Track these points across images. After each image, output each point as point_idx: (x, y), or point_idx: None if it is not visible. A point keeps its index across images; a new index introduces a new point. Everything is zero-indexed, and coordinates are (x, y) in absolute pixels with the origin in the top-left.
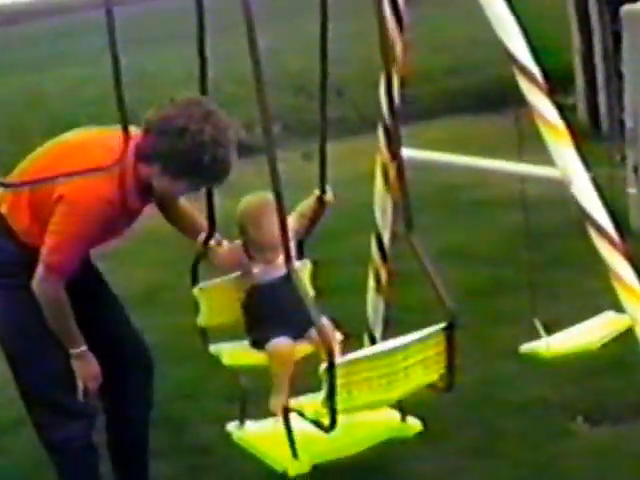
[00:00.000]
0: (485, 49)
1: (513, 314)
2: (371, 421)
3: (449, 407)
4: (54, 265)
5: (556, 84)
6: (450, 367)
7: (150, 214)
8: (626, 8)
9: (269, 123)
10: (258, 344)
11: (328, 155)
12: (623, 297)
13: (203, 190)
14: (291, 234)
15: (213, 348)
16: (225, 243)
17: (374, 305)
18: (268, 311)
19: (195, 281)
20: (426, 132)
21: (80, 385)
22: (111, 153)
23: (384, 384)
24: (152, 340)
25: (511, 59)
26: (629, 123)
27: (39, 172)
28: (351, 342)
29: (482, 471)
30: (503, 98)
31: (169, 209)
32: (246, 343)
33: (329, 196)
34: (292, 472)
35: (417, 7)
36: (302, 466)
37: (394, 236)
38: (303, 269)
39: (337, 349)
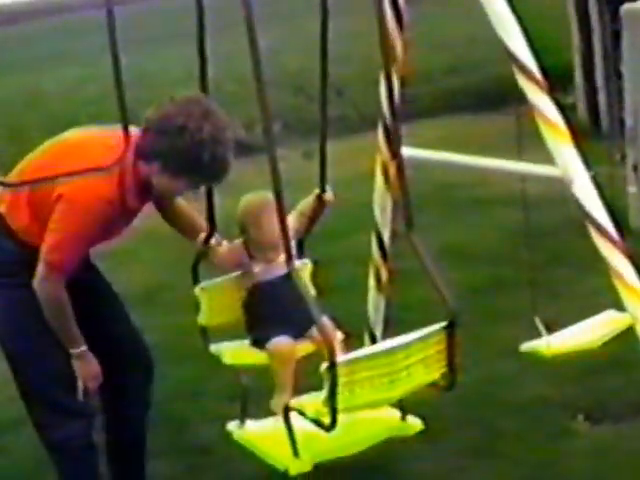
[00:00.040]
0: (485, 48)
1: (513, 313)
2: (372, 420)
3: (449, 406)
4: (54, 264)
5: (556, 83)
6: (451, 366)
7: (149, 214)
8: (626, 7)
9: (270, 123)
10: (259, 343)
11: (328, 154)
12: (624, 295)
13: (203, 189)
14: (291, 233)
15: (214, 347)
16: (225, 243)
17: (375, 304)
18: (269, 310)
19: (196, 280)
20: (426, 131)
21: (80, 385)
22: (111, 152)
23: (386, 383)
24: (152, 340)
25: (511, 58)
26: (629, 122)
27: (38, 171)
28: (352, 341)
29: (482, 470)
30: (503, 97)
31: (167, 209)
32: (247, 342)
33: (329, 195)
34: (293, 471)
35: (417, 6)
36: (303, 465)
37: (394, 235)
38: (303, 268)
39: (338, 348)
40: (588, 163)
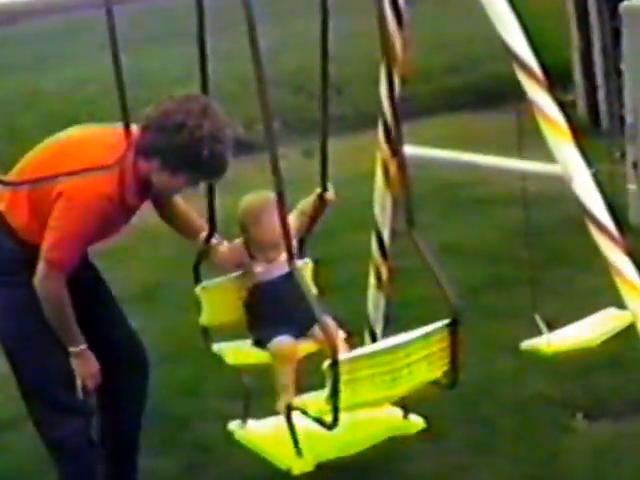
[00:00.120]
0: (484, 46)
1: (513, 311)
2: (374, 419)
3: (449, 404)
4: (55, 262)
5: (555, 81)
6: (454, 364)
7: (148, 212)
8: (625, 4)
9: (271, 124)
10: (260, 343)
11: (328, 153)
12: (624, 293)
13: (203, 188)
14: (292, 232)
15: (216, 347)
16: (225, 243)
17: (375, 302)
18: (270, 310)
19: (197, 280)
20: (425, 130)
21: (79, 383)
22: (111, 151)
23: (388, 380)
24: (152, 338)
25: (511, 55)
26: (629, 119)
27: (38, 170)
28: (352, 339)
29: (482, 468)
30: (502, 95)
31: (165, 208)
32: (249, 342)
33: (330, 194)
34: (296, 470)
35: (416, 5)
36: (306, 464)
37: (394, 233)
38: (305, 268)
39: (341, 347)
40: (589, 161)
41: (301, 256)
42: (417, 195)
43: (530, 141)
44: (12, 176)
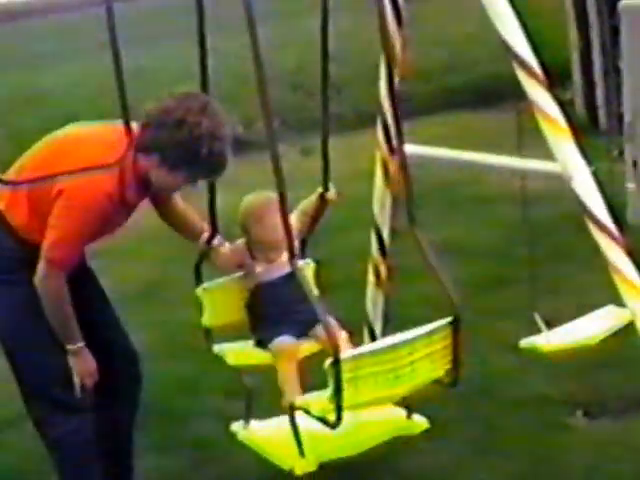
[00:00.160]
0: (482, 45)
1: (513, 309)
2: (377, 419)
3: (448, 402)
4: (55, 260)
5: (553, 79)
6: (456, 362)
7: (148, 211)
8: (624, 3)
9: (272, 125)
10: (262, 344)
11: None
12: (623, 291)
13: (204, 188)
14: (294, 233)
15: (217, 348)
16: (227, 245)
17: (374, 300)
18: (271, 310)
19: (198, 281)
20: (425, 129)
21: (77, 381)
22: (111, 148)
23: (391, 379)
24: (151, 336)
25: (511, 54)
26: (627, 118)
27: (38, 168)
28: (353, 339)
29: (481, 466)
30: (501, 94)
31: (164, 207)
32: (250, 343)
33: (331, 193)
34: (299, 471)
35: (415, 4)
36: (308, 465)
37: (393, 232)
38: (306, 268)
39: (343, 346)
40: (587, 159)
41: (302, 256)
42: (416, 194)
43: (529, 140)
44: (11, 174)
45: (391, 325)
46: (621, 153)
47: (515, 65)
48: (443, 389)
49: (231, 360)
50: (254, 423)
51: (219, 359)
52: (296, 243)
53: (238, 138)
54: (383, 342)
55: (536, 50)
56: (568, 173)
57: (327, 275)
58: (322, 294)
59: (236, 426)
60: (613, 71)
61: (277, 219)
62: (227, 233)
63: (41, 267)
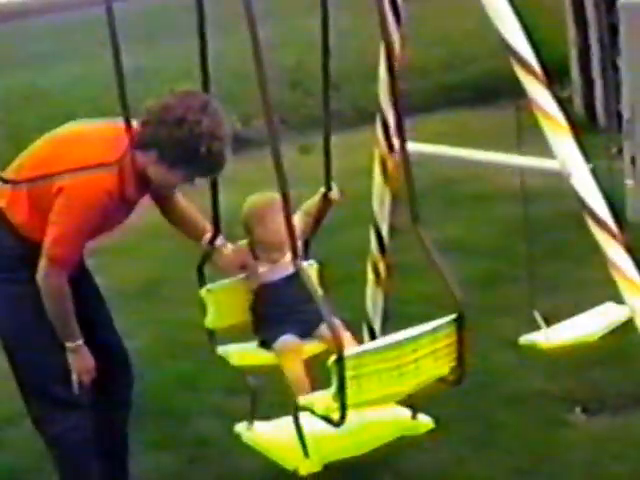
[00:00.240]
0: (480, 42)
1: (512, 306)
2: (382, 419)
3: (448, 398)
4: (56, 258)
5: (552, 76)
6: (460, 360)
7: (148, 209)
8: (622, 0)
9: (274, 125)
10: (266, 344)
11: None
12: (622, 288)
13: (202, 186)
14: (297, 233)
15: (221, 349)
16: (229, 246)
17: (373, 298)
18: (275, 310)
19: (202, 282)
20: (424, 126)
21: (75, 378)
22: (110, 146)
23: (395, 376)
24: (151, 334)
25: (510, 51)
26: (626, 115)
27: (37, 166)
28: (355, 338)
29: (480, 462)
30: (500, 91)
31: (166, 205)
32: (254, 344)
33: (334, 193)
34: (303, 471)
35: (413, 2)
36: (313, 465)
37: (392, 229)
38: (310, 269)
39: (347, 345)
40: (587, 156)
41: (306, 257)
42: (415, 191)
43: (528, 137)
44: (11, 172)
45: (390, 323)
46: (620, 150)
47: (514, 62)
48: (447, 387)
49: (235, 361)
50: (258, 424)
51: (218, 357)
52: (299, 244)
53: (237, 135)
54: (387, 339)
55: (535, 47)
56: (567, 170)
57: (326, 272)
58: (325, 295)
59: (240, 427)
60: (611, 68)
61: (280, 219)
62: (228, 232)
63: (43, 265)
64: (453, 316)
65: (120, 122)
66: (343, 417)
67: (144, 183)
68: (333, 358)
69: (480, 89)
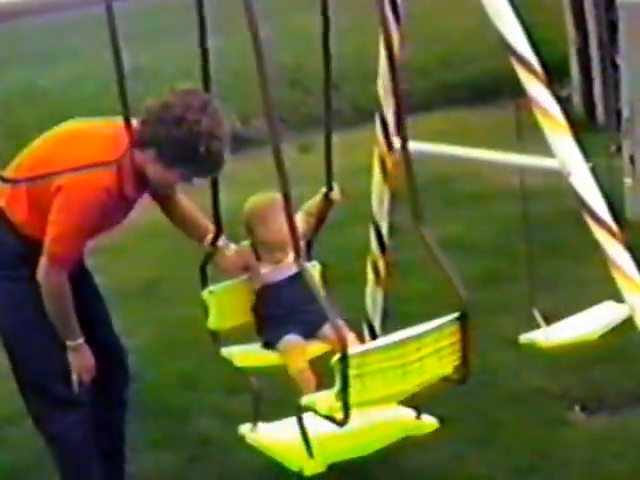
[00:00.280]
0: (479, 41)
1: (511, 304)
2: (386, 420)
3: (448, 396)
4: (57, 256)
5: (551, 75)
6: (465, 358)
7: (147, 207)
8: None
9: (275, 127)
10: (269, 345)
11: (325, 148)
12: (622, 287)
13: (200, 185)
14: (299, 234)
15: (224, 351)
16: (232, 246)
17: (373, 296)
18: (278, 311)
19: (204, 283)
20: (423, 125)
21: (74, 377)
22: (110, 144)
23: (399, 375)
24: (151, 332)
25: (509, 50)
26: (625, 113)
27: (36, 165)
28: (359, 338)
29: (480, 460)
30: (499, 90)
31: (167, 204)
32: (258, 345)
33: (336, 193)
34: (307, 472)
35: (412, 1)
36: (317, 466)
37: (392, 227)
38: (313, 270)
39: (351, 344)
40: (586, 155)
41: (308, 258)
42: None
43: (528, 136)
44: (10, 171)
45: (390, 321)
46: (619, 149)
47: (513, 61)
48: (451, 386)
49: (239, 362)
50: (262, 425)
51: (219, 356)
52: (301, 244)
53: (236, 135)
54: (390, 338)
55: (534, 46)
56: (566, 169)
57: (325, 271)
58: (328, 295)
59: (244, 429)
60: (611, 67)
61: (281, 219)
62: (229, 232)
63: (43, 263)
64: (456, 314)
65: (119, 121)
66: (347, 416)
67: (143, 182)
68: (337, 357)
69: (480, 88)
